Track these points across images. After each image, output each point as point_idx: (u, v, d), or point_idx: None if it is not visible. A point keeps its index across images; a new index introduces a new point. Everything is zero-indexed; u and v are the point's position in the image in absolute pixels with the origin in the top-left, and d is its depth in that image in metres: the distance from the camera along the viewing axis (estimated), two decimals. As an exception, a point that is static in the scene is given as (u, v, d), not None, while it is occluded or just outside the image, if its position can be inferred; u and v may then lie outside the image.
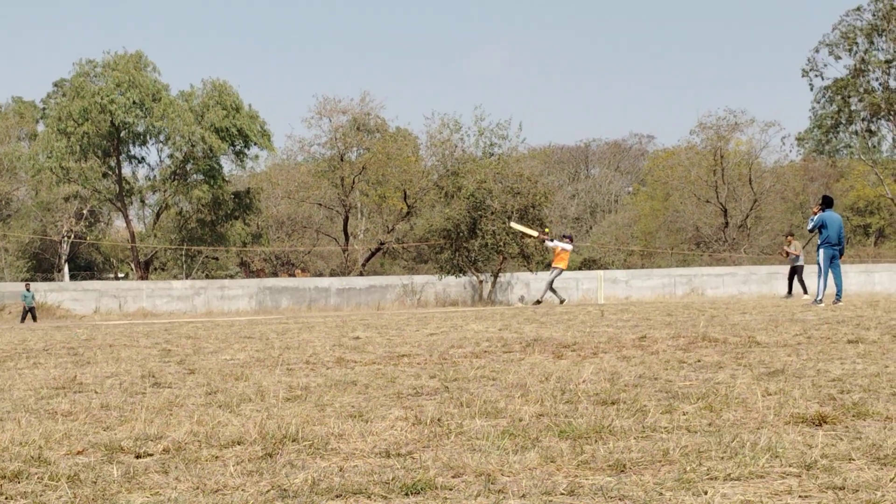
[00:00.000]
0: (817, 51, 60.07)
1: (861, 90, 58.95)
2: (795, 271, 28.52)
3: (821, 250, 20.59)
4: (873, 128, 60.09)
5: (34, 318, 40.16)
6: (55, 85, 61.87)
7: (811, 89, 60.73)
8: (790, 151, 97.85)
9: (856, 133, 60.59)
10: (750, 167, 62.97)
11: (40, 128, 66.73)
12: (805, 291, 27.94)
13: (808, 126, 62.10)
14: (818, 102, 60.81)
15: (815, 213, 21.12)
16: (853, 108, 59.67)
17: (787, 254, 29.05)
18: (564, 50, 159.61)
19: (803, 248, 32.42)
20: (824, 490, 3.77)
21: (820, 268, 20.54)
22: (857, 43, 58.61)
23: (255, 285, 46.66)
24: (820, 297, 20.05)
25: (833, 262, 20.54)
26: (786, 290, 29.35)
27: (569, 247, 27.23)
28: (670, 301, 32.39)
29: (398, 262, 69.47)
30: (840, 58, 59.73)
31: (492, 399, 6.49)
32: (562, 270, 27.24)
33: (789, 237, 29.42)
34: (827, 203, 20.92)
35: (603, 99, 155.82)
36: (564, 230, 73.55)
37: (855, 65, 59.03)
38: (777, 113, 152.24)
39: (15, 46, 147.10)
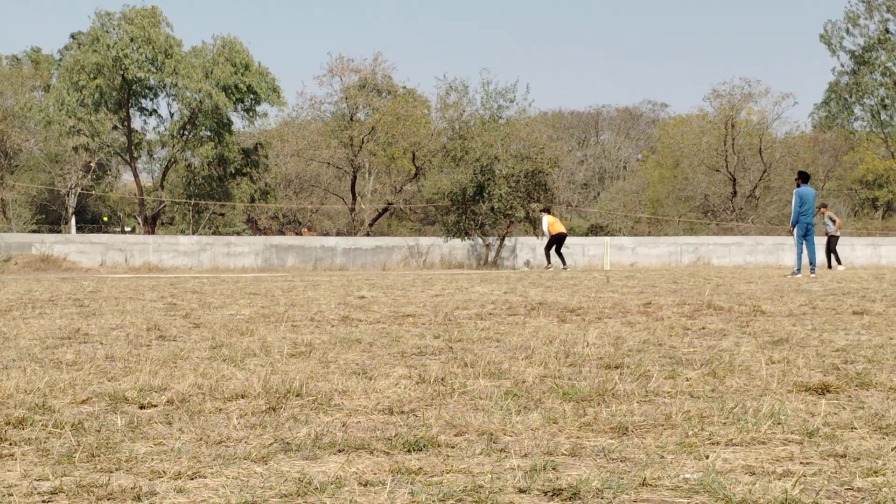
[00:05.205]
0: (830, 33, 59.90)
1: (878, 63, 58.85)
2: (830, 242, 28.76)
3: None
4: (887, 101, 59.97)
5: None
6: (72, 37, 61.56)
7: (832, 54, 60.57)
8: (799, 122, 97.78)
9: (865, 105, 60.54)
10: (760, 137, 62.70)
11: (55, 79, 66.54)
12: (839, 262, 28.35)
13: (822, 98, 62.04)
14: (833, 73, 60.76)
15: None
16: (869, 78, 59.58)
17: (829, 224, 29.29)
18: (581, 15, 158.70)
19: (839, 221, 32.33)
20: (826, 457, 3.78)
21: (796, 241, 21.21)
22: (873, 16, 58.47)
23: (262, 243, 46.68)
24: (797, 269, 20.63)
25: (807, 236, 20.99)
26: (826, 263, 29.16)
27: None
28: (676, 269, 32.40)
29: (405, 224, 69.35)
30: (853, 35, 59.61)
31: (496, 360, 6.50)
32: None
33: (823, 209, 29.53)
34: (804, 178, 21.32)
35: (617, 66, 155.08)
36: (571, 196, 73.65)
37: (877, 36, 58.86)
38: (793, 85, 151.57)
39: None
